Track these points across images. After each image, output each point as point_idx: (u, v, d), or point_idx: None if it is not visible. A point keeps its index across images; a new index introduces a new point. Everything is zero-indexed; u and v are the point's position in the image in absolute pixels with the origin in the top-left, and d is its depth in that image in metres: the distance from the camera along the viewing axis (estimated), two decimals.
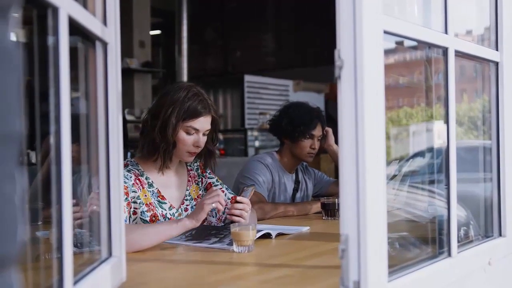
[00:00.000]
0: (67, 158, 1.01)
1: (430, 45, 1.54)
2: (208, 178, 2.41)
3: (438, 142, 1.90)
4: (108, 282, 1.29)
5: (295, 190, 3.11)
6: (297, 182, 3.13)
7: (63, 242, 1.00)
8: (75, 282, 1.08)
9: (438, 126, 1.85)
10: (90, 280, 1.16)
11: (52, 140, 1.01)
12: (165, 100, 2.17)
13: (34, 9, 1.01)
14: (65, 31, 1.01)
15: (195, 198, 2.33)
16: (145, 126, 2.21)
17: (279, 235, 2.15)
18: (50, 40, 1.01)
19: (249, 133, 7.45)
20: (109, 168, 1.36)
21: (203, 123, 2.19)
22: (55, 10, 0.99)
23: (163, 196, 2.22)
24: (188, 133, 2.18)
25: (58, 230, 1.00)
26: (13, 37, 0.54)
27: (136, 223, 2.13)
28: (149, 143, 2.18)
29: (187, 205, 2.30)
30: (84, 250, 1.48)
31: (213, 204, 1.96)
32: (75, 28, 1.11)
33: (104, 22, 1.34)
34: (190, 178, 2.36)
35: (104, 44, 1.34)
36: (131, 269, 1.48)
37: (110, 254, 1.36)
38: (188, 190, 2.33)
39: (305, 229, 2.32)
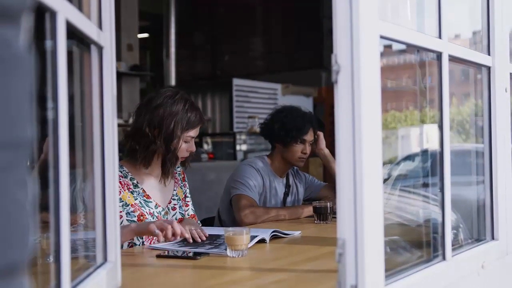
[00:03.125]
0: (65, 162, 1.00)
1: (425, 50, 1.55)
2: (186, 187, 2.50)
3: (428, 145, 1.91)
4: (104, 287, 1.28)
5: (286, 194, 3.11)
6: (288, 186, 3.12)
7: (61, 248, 0.99)
8: None
9: (427, 129, 1.86)
10: (86, 286, 1.16)
11: (49, 143, 1.00)
12: (163, 111, 2.22)
13: (31, 12, 1.00)
14: (63, 35, 1.01)
15: (182, 199, 2.43)
16: (143, 136, 2.21)
17: (273, 238, 2.15)
18: (48, 43, 1.01)
19: (237, 136, 7.43)
20: (104, 173, 1.35)
21: (198, 131, 2.32)
22: (53, 14, 0.98)
23: (148, 195, 2.27)
24: (185, 142, 2.28)
25: (56, 235, 0.99)
26: (24, 42, 0.54)
27: None
28: (151, 154, 2.23)
29: (174, 204, 2.38)
30: (76, 255, 1.47)
31: (157, 231, 1.91)
32: (71, 32, 1.10)
33: (100, 26, 1.33)
34: (176, 180, 2.44)
35: (100, 48, 1.33)
36: (126, 274, 1.47)
37: (105, 259, 1.35)
38: (175, 190, 2.41)
39: (297, 233, 2.32)
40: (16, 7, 0.52)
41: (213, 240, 2.11)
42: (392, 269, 1.32)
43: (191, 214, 2.44)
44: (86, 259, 1.40)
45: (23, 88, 0.52)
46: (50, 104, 1.00)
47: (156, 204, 2.28)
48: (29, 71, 0.53)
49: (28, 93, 0.53)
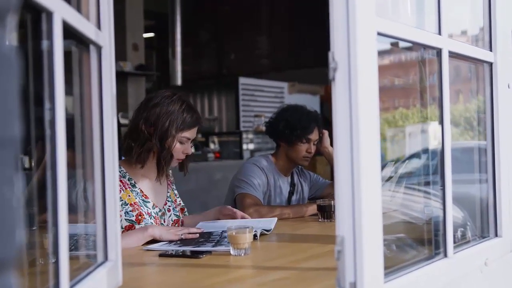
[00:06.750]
0: (62, 163, 1.01)
1: (424, 46, 1.54)
2: (175, 190, 2.53)
3: (434, 143, 1.91)
4: (104, 286, 1.28)
5: (291, 193, 3.11)
6: (292, 185, 3.12)
7: (59, 247, 0.99)
8: (71, 286, 1.08)
9: (434, 127, 1.86)
10: (86, 285, 1.16)
11: (47, 144, 1.00)
12: (159, 110, 2.26)
13: (28, 13, 1.01)
14: (59, 35, 1.01)
15: (174, 201, 2.46)
16: (139, 133, 2.25)
17: (278, 235, 2.17)
18: (44, 44, 1.01)
19: (244, 135, 7.43)
20: (105, 173, 1.36)
21: (195, 133, 2.34)
22: (50, 14, 0.99)
23: (146, 195, 2.31)
24: (181, 142, 2.30)
25: (54, 234, 0.99)
26: (10, 42, 0.54)
27: (121, 226, 2.16)
28: (146, 151, 2.26)
29: (169, 206, 2.42)
30: (77, 253, 1.48)
31: (182, 236, 2.12)
32: (69, 32, 1.10)
33: (98, 26, 1.34)
34: (169, 182, 2.48)
35: (98, 48, 1.33)
36: (127, 273, 1.47)
37: (106, 258, 1.35)
38: (168, 192, 2.45)
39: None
40: (1, 7, 0.52)
41: (207, 238, 2.11)
42: (393, 266, 1.31)
43: (175, 219, 2.45)
44: (88, 258, 1.41)
45: (9, 86, 0.52)
46: (47, 105, 1.00)
47: (154, 205, 2.32)
48: (15, 70, 0.54)
49: (15, 91, 0.54)
